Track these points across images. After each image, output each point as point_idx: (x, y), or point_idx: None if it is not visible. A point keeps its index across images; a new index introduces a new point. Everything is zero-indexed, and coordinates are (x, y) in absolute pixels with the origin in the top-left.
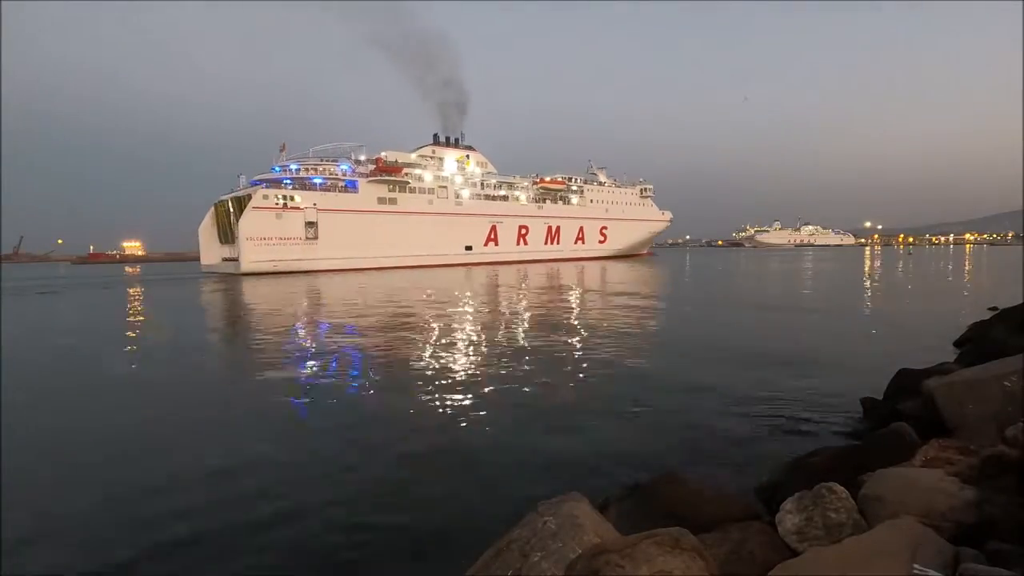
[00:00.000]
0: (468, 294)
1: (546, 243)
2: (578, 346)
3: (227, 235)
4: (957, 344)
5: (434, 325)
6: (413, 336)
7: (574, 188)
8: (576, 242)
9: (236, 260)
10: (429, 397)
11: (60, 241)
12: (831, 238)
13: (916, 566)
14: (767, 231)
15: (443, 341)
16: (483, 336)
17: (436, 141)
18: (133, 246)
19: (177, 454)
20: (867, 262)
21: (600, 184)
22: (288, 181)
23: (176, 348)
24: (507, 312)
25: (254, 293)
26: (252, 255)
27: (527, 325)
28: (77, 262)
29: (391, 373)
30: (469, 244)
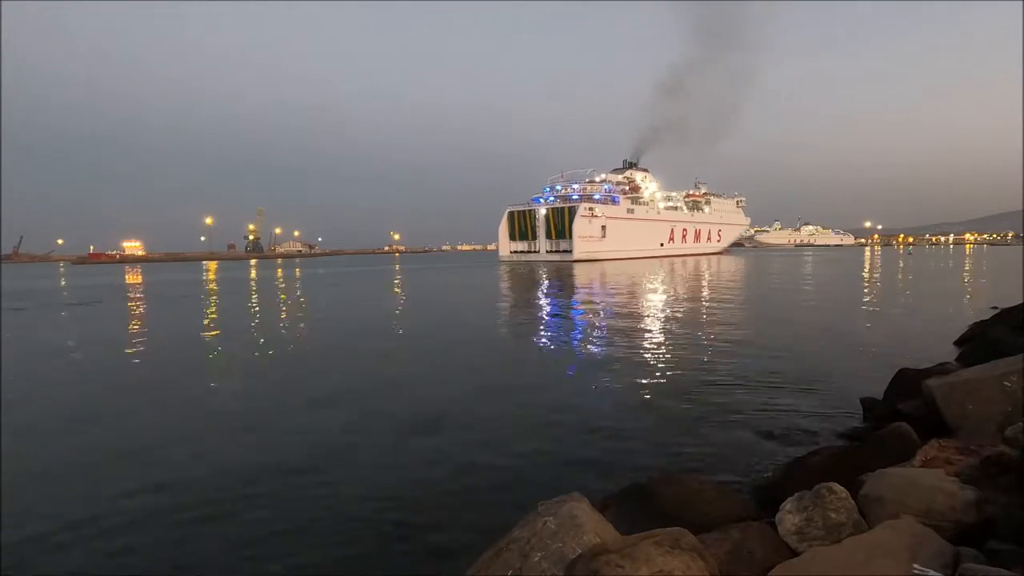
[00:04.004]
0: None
1: (693, 241)
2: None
3: (523, 234)
4: (957, 344)
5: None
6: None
7: (704, 200)
8: (706, 241)
9: (532, 252)
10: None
11: (61, 241)
12: (831, 238)
13: (916, 566)
14: (767, 231)
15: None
16: None
17: (626, 165)
18: (133, 246)
19: None
20: (867, 262)
21: (717, 196)
22: (576, 196)
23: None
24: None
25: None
26: (580, 248)
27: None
28: (77, 262)
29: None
30: (661, 242)
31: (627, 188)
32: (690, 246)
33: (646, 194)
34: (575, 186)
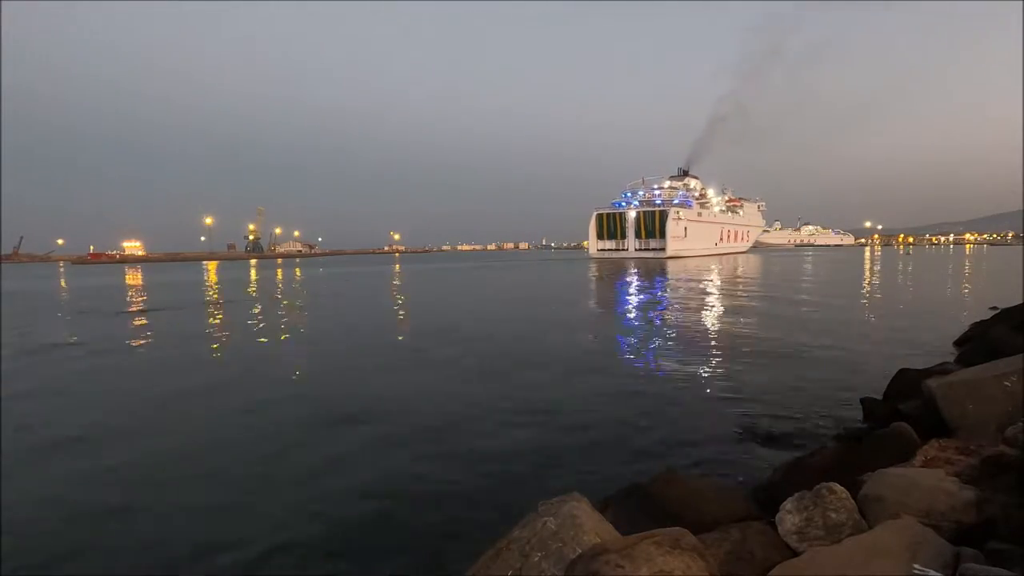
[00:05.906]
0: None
1: (733, 241)
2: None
3: (611, 233)
4: (957, 344)
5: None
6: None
7: (740, 205)
8: (740, 241)
9: (621, 250)
10: None
11: (61, 241)
12: (831, 238)
13: (916, 566)
14: (767, 231)
15: None
16: None
17: (680, 173)
18: (133, 246)
19: None
20: (867, 262)
21: (747, 200)
22: (660, 202)
23: None
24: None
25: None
26: (672, 246)
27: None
28: (77, 262)
29: None
30: (715, 241)
31: (697, 194)
32: (730, 245)
33: (708, 199)
34: (656, 191)
